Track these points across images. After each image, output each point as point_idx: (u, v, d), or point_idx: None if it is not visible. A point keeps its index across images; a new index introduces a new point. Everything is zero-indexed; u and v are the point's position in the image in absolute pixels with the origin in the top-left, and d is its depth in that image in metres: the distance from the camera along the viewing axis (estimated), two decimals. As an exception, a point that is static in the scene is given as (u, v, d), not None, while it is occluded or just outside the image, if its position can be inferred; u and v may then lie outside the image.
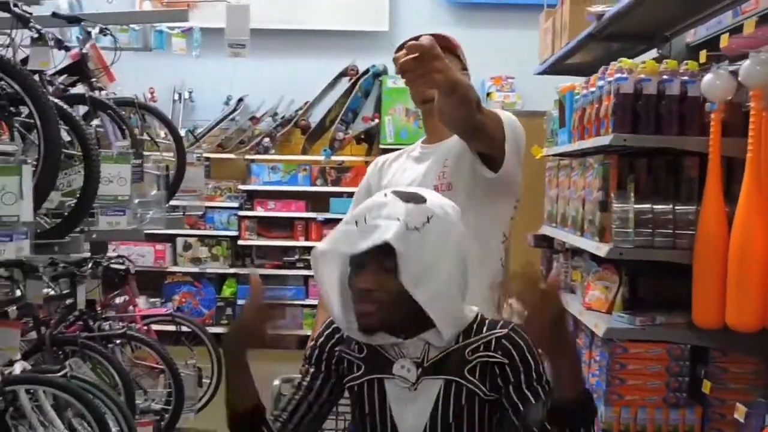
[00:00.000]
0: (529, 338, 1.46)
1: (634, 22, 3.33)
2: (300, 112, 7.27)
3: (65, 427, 3.17)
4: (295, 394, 1.62)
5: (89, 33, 3.85)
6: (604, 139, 2.44)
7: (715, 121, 2.25)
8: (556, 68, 4.54)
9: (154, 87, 7.19)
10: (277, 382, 2.02)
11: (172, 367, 3.95)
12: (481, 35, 6.67)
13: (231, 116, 7.35)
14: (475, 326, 1.52)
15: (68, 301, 3.86)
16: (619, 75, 2.47)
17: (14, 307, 3.17)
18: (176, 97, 7.41)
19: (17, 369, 3.18)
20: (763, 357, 2.32)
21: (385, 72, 7.16)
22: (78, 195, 2.92)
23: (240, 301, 6.93)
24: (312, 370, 1.62)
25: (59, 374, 3.19)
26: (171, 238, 6.93)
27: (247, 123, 7.30)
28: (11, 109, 2.57)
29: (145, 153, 3.77)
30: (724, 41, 2.25)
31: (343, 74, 7.29)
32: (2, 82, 2.52)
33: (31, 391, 3.09)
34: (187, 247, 7.08)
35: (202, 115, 7.42)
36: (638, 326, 2.45)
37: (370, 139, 7.20)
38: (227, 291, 7.06)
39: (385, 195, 1.50)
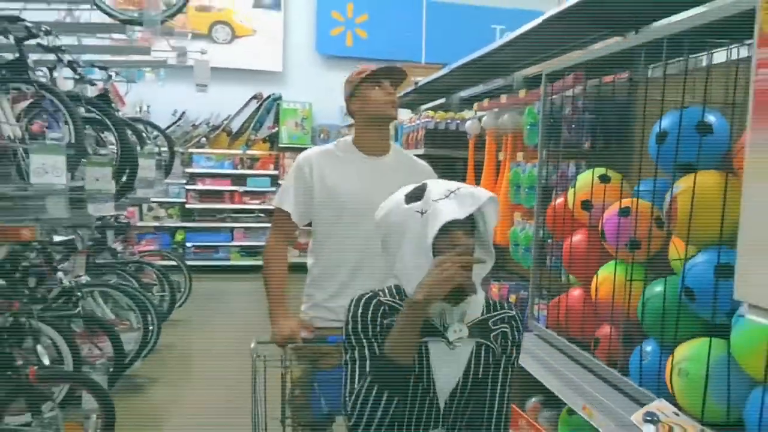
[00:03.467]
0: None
1: (432, 86, 4.31)
2: (225, 121, 7.77)
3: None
4: (355, 372, 1.22)
5: (110, 75, 4.30)
6: (419, 151, 3.42)
7: (471, 144, 3.26)
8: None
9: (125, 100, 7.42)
10: (252, 345, 1.76)
11: (167, 278, 4.57)
12: (340, 75, 7.44)
13: (177, 123, 7.72)
14: (491, 302, 1.33)
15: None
16: (426, 119, 3.45)
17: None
18: (138, 109, 7.66)
19: (83, 280, 3.73)
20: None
21: (280, 98, 7.81)
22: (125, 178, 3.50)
23: (187, 244, 7.44)
24: (364, 343, 1.23)
25: (111, 282, 3.78)
26: (140, 204, 7.26)
27: (189, 128, 7.70)
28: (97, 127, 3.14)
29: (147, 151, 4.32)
30: (485, 102, 3.27)
31: (253, 98, 7.85)
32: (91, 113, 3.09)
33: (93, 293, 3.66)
34: (150, 209, 7.44)
35: (157, 122, 7.71)
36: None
37: (273, 140, 7.87)
38: (179, 237, 7.51)
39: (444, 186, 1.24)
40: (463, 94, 4.22)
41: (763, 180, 0.94)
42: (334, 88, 7.49)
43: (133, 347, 3.55)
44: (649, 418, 1.31)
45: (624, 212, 1.65)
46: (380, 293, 1.28)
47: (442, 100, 4.74)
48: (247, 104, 7.82)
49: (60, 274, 3.34)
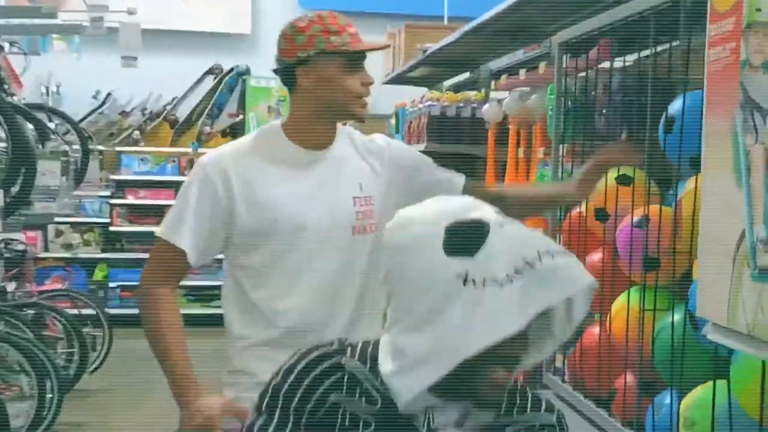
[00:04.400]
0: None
1: (452, 53, 4.66)
2: (168, 107, 8.23)
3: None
4: None
5: (2, 47, 4.75)
6: (421, 147, 3.75)
7: (490, 135, 3.58)
8: (398, 79, 5.87)
9: (23, 81, 7.92)
10: None
11: (79, 330, 4.95)
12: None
13: (99, 110, 8.20)
14: (516, 396, 1.26)
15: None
16: (429, 102, 3.79)
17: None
18: (44, 90, 8.16)
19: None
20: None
21: (248, 72, 8.23)
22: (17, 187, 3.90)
23: (111, 284, 7.85)
24: (265, 418, 1.25)
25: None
26: (42, 225, 7.71)
27: (116, 116, 8.18)
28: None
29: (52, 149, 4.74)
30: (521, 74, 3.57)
31: (208, 72, 8.30)
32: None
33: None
34: (58, 233, 7.90)
35: (70, 109, 8.08)
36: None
37: (235, 133, 8.26)
38: (99, 275, 7.95)
39: (502, 225, 1.17)
40: (495, 65, 4.53)
41: (720, 174, 1.23)
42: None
43: (22, 422, 3.90)
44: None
45: (640, 223, 1.94)
46: (338, 353, 1.24)
47: (467, 75, 5.09)
48: (199, 82, 8.24)
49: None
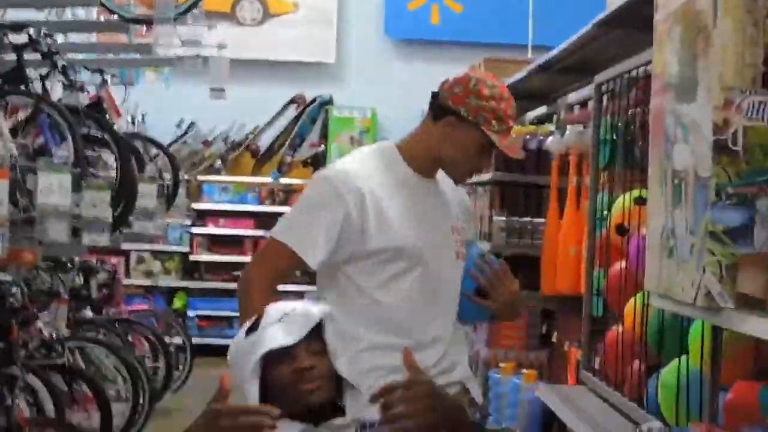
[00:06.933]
0: None
1: (530, 87, 5.42)
2: (250, 136, 9.24)
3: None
4: None
5: (105, 80, 5.78)
6: (488, 174, 4.55)
7: (554, 167, 4.34)
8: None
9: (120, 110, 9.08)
10: None
11: (166, 347, 5.91)
12: (420, 68, 8.81)
13: (183, 139, 9.26)
14: None
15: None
16: (498, 135, 4.59)
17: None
18: (129, 119, 9.29)
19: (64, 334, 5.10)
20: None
21: (330, 102, 9.19)
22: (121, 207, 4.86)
23: (190, 313, 8.85)
24: None
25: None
26: (125, 252, 8.78)
27: (198, 145, 9.23)
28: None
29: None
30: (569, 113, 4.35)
31: (291, 102, 9.28)
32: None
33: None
34: (140, 260, 8.97)
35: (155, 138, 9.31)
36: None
37: (317, 163, 9.22)
38: (178, 303, 8.97)
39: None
40: (573, 98, 5.28)
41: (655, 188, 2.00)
42: (411, 87, 8.72)
43: (119, 422, 4.83)
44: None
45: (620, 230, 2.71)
46: None
47: (544, 109, 5.85)
48: (282, 112, 9.26)
49: (39, 323, 4.72)
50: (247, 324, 1.89)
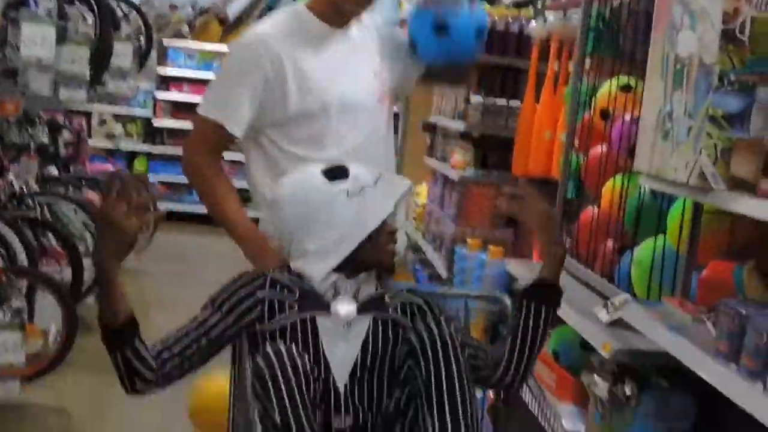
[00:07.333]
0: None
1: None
2: (219, 3, 9.04)
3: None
4: (186, 327, 1.91)
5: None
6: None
7: (534, 52, 4.38)
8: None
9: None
10: None
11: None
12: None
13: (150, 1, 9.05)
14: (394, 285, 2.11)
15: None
16: (481, 16, 4.59)
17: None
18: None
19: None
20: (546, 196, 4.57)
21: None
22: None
23: (150, 178, 8.84)
24: (217, 313, 1.92)
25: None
26: (86, 114, 8.66)
27: (165, 9, 9.01)
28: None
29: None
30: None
31: (262, -29, 9.09)
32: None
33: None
34: (102, 122, 8.88)
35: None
36: (480, 176, 4.64)
37: (284, 35, 9.11)
38: (139, 167, 8.93)
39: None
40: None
41: (654, 75, 2.08)
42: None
43: (88, 278, 4.90)
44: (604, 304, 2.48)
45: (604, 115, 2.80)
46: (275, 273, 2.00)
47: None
48: (252, -21, 9.08)
49: (10, 175, 4.72)
50: (318, 165, 2.01)
